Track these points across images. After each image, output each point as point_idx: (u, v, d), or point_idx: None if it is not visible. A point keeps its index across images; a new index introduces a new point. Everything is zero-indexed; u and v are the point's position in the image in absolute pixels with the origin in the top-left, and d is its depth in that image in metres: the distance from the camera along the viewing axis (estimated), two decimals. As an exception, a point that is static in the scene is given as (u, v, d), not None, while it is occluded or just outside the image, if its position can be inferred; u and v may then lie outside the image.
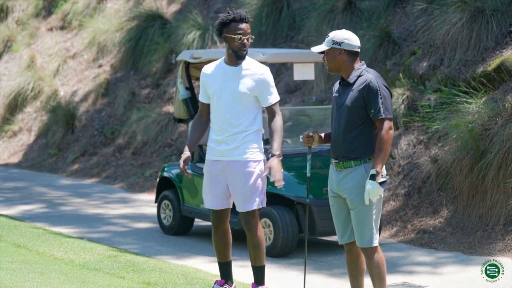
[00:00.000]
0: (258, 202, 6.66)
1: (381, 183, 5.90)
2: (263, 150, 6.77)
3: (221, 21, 6.61)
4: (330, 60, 6.10)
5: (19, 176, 16.33)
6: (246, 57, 6.68)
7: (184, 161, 6.70)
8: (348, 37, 6.07)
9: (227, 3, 17.38)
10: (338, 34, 6.09)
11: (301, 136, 6.51)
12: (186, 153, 6.70)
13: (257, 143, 6.65)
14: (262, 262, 6.77)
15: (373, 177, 5.90)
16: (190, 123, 10.05)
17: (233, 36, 6.56)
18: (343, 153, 6.05)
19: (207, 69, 6.77)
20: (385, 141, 5.92)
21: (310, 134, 6.30)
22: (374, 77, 6.01)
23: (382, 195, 6.11)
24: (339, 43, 6.05)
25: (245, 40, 6.58)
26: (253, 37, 6.70)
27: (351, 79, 6.05)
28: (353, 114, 5.99)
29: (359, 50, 6.12)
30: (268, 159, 6.60)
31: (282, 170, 6.56)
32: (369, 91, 5.95)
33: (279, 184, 6.50)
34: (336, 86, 6.23)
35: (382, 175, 5.94)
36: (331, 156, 6.18)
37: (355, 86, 6.01)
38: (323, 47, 6.12)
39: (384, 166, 6.01)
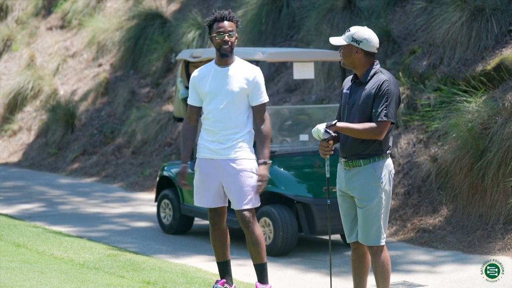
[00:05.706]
0: (253, 200, 6.66)
1: (325, 133, 5.93)
2: (254, 150, 6.77)
3: (206, 24, 6.70)
4: (345, 56, 6.04)
5: (18, 175, 16.33)
6: (236, 58, 6.68)
7: (182, 175, 6.83)
8: (368, 37, 5.98)
9: (226, 2, 17.37)
10: (359, 32, 6.00)
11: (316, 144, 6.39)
12: (184, 165, 6.83)
13: (249, 143, 6.69)
14: (263, 260, 6.74)
15: (329, 126, 5.93)
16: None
17: (215, 34, 6.59)
18: (352, 152, 6.00)
19: (197, 71, 6.78)
20: (370, 132, 5.90)
21: (326, 140, 6.06)
22: (388, 78, 5.97)
23: (391, 195, 6.11)
24: (358, 42, 5.97)
25: (226, 37, 6.57)
26: (237, 35, 6.64)
27: (364, 78, 6.01)
28: (365, 114, 5.95)
29: (376, 51, 6.07)
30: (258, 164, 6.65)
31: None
32: (377, 92, 5.92)
33: (259, 191, 6.63)
34: (347, 82, 6.16)
35: (332, 134, 5.95)
36: (340, 155, 6.13)
37: (368, 86, 5.97)
38: (341, 40, 6.04)
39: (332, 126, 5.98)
